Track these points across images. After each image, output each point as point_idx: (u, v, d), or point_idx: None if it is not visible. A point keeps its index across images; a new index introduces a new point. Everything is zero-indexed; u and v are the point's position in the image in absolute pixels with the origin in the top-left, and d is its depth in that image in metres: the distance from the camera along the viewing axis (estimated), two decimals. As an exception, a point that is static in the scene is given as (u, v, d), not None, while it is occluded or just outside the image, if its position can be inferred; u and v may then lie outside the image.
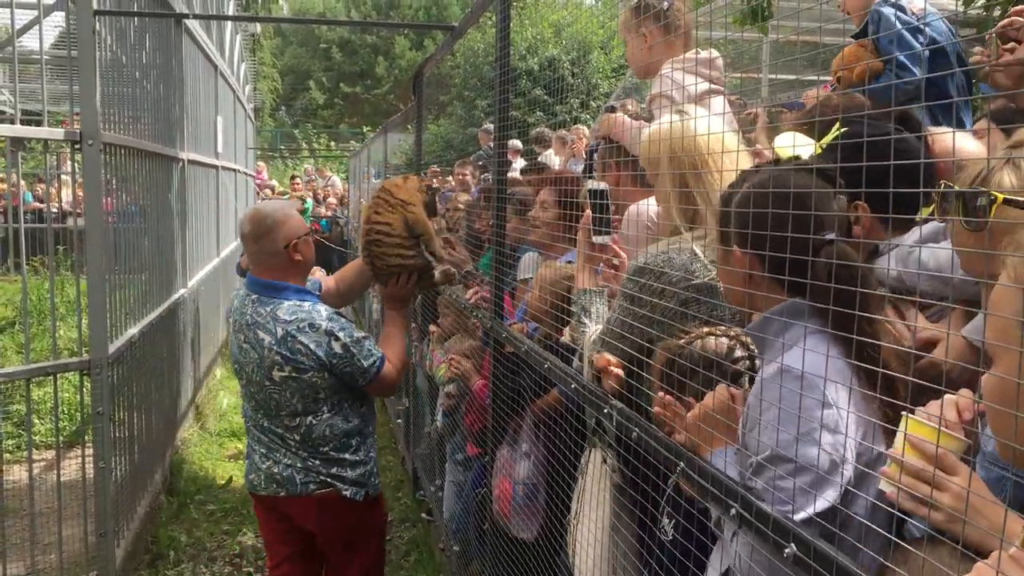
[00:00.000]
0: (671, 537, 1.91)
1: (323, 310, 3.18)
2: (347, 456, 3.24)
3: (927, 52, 2.62)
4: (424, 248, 3.41)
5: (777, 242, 1.51)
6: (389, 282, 3.41)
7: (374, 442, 3.45)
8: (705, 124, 2.15)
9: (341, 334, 3.11)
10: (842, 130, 1.79)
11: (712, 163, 2.14)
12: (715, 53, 3.02)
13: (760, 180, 1.65)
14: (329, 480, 3.22)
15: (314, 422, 3.18)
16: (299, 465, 3.21)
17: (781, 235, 1.50)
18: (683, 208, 2.21)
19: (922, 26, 2.66)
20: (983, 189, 1.24)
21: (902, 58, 2.65)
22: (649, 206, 2.54)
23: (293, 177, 15.35)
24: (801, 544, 1.25)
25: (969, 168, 1.42)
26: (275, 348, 3.09)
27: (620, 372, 2.07)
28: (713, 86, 2.92)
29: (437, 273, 3.46)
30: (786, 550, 1.27)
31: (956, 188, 1.32)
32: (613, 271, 2.46)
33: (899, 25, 2.66)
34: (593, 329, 2.35)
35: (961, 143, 2.04)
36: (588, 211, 2.43)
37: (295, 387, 3.12)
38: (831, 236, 1.51)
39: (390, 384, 3.32)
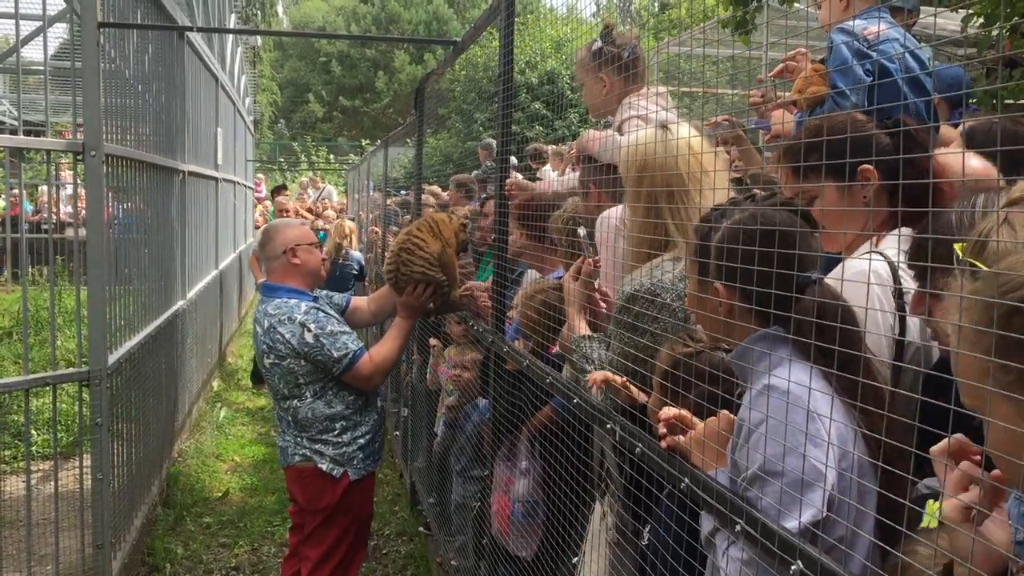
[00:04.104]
0: (647, 541, 1.93)
1: (303, 306, 3.57)
2: (329, 437, 3.62)
3: (868, 80, 2.64)
4: (446, 288, 3.73)
5: (763, 279, 1.55)
6: (406, 290, 3.71)
7: (372, 431, 3.74)
8: (685, 141, 2.19)
9: (313, 326, 3.51)
10: None
11: (689, 181, 2.17)
12: (663, 89, 3.13)
13: (744, 218, 1.68)
14: (309, 454, 3.62)
15: (299, 405, 3.59)
16: (291, 440, 3.66)
17: (771, 274, 1.53)
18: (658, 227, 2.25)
19: (869, 52, 2.67)
20: (981, 267, 1.21)
21: (841, 86, 2.67)
22: (618, 210, 2.57)
23: (276, 190, 14.77)
24: (807, 560, 1.25)
25: (976, 228, 1.43)
26: (263, 339, 3.57)
27: (620, 378, 2.07)
28: (673, 116, 2.98)
29: (455, 294, 3.76)
30: (792, 567, 1.27)
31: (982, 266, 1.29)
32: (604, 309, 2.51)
33: (845, 53, 2.69)
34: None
35: (969, 163, 2.05)
36: (581, 261, 2.50)
37: (280, 372, 3.56)
38: (816, 276, 1.59)
39: (364, 377, 3.62)
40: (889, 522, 1.30)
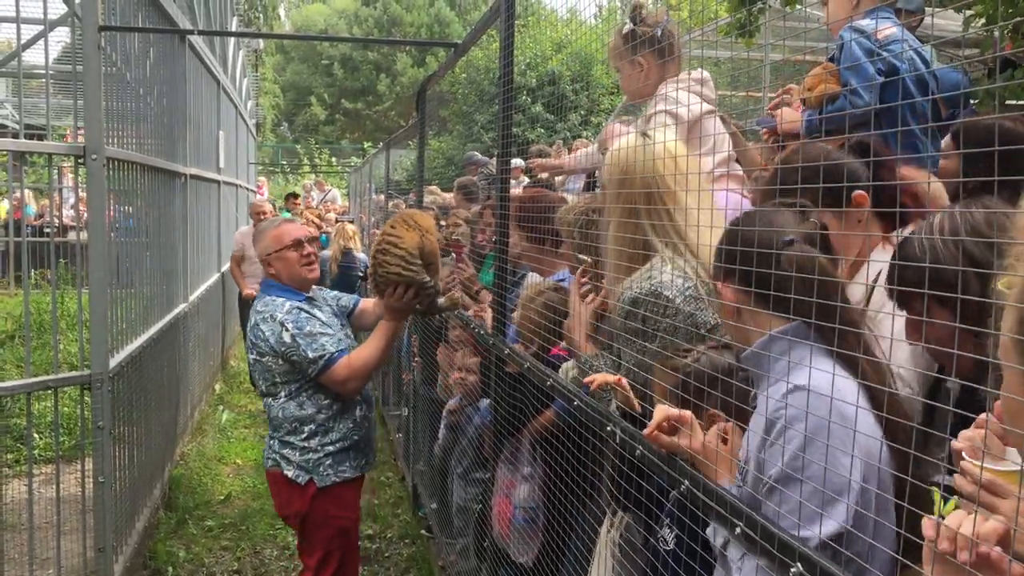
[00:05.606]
0: (671, 547, 1.92)
1: (287, 304, 3.57)
2: (295, 440, 3.58)
3: (880, 79, 2.63)
4: (431, 276, 3.64)
5: (749, 262, 1.57)
6: (386, 292, 3.61)
7: (344, 439, 3.64)
8: (663, 147, 2.20)
9: (290, 326, 3.49)
10: None
11: (668, 186, 2.18)
12: (706, 74, 3.03)
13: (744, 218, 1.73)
14: (277, 459, 3.62)
15: (273, 404, 3.61)
16: (269, 442, 3.71)
17: (749, 250, 1.57)
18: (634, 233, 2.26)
19: (880, 51, 2.66)
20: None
21: (855, 84, 2.67)
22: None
23: (288, 197, 14.59)
24: (807, 564, 1.24)
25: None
26: (249, 335, 3.65)
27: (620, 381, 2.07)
28: (707, 107, 2.94)
29: (443, 299, 3.67)
30: (792, 570, 1.27)
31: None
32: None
33: (857, 51, 2.68)
34: (568, 364, 2.42)
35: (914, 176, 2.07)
36: (575, 278, 2.51)
37: (260, 369, 3.59)
38: (791, 237, 1.58)
39: (339, 380, 3.54)
40: (907, 535, 1.28)
